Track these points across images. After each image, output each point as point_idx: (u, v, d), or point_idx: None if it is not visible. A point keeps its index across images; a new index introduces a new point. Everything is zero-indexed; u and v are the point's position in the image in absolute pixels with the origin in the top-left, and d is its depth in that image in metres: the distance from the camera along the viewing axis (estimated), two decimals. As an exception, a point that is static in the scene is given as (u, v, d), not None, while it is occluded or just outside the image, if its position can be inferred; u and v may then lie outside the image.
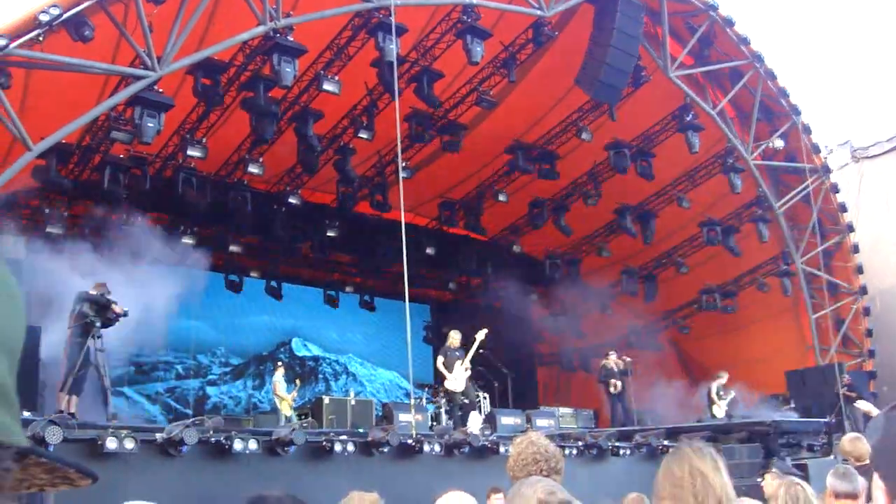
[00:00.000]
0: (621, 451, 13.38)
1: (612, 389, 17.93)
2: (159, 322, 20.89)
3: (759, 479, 11.11)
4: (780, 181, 21.45)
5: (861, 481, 5.14)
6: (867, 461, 6.32)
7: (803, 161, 20.00)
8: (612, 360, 18.09)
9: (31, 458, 0.85)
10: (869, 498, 5.00)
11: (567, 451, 11.80)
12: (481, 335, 15.01)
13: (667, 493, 2.75)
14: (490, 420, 15.41)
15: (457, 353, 14.96)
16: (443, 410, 16.46)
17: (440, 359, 15.09)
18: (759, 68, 19.06)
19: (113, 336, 12.82)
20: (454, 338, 15.17)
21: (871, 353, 21.65)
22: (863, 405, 14.61)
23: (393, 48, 14.09)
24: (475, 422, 14.40)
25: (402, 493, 9.38)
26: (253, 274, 22.43)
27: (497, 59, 17.24)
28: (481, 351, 15.64)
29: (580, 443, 13.05)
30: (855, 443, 6.87)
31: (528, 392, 23.64)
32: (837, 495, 5.09)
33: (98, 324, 11.83)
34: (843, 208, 21.60)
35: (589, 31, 16.47)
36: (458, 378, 14.71)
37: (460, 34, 15.53)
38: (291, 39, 13.81)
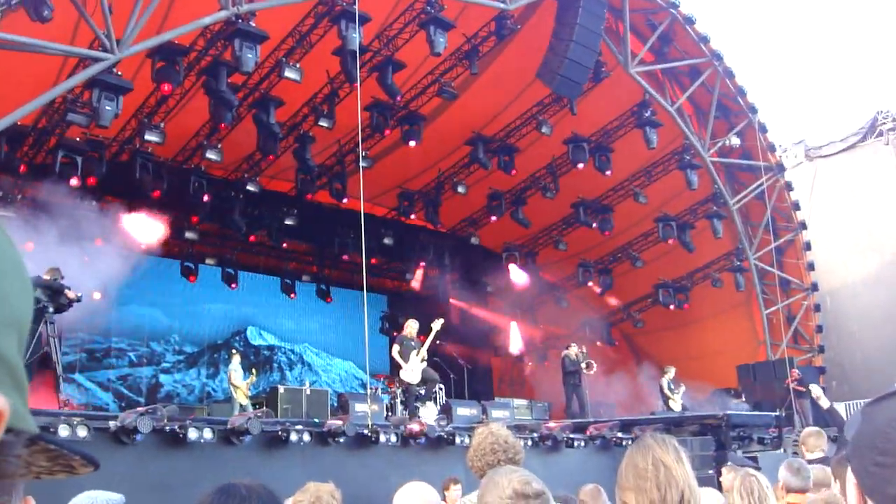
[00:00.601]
0: (576, 443, 13.50)
1: (588, 371, 17.98)
2: (112, 308, 20.72)
3: (710, 472, 11.33)
4: (735, 178, 21.75)
5: (823, 474, 5.28)
6: (822, 454, 6.49)
7: (758, 159, 20.28)
8: (574, 352, 18.18)
9: (38, 445, 0.83)
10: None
11: (522, 443, 11.89)
12: (437, 325, 15.00)
13: (630, 484, 2.79)
14: (446, 411, 15.45)
15: (413, 344, 14.93)
16: (398, 401, 16.46)
17: (396, 348, 15.04)
18: (717, 67, 19.29)
19: (65, 322, 12.66)
20: (411, 327, 15.13)
21: (821, 349, 22.09)
22: (815, 390, 14.88)
23: (356, 37, 14.05)
24: (430, 413, 14.44)
25: (358, 484, 9.40)
26: (209, 261, 22.24)
27: (459, 50, 17.24)
28: (437, 341, 15.65)
29: (535, 434, 13.16)
30: (817, 437, 7.00)
31: (484, 383, 23.77)
32: (789, 489, 5.20)
33: (51, 309, 11.67)
34: (797, 206, 21.95)
35: (551, 26, 16.54)
36: (413, 369, 14.70)
37: (423, 25, 15.50)
38: (253, 25, 13.70)
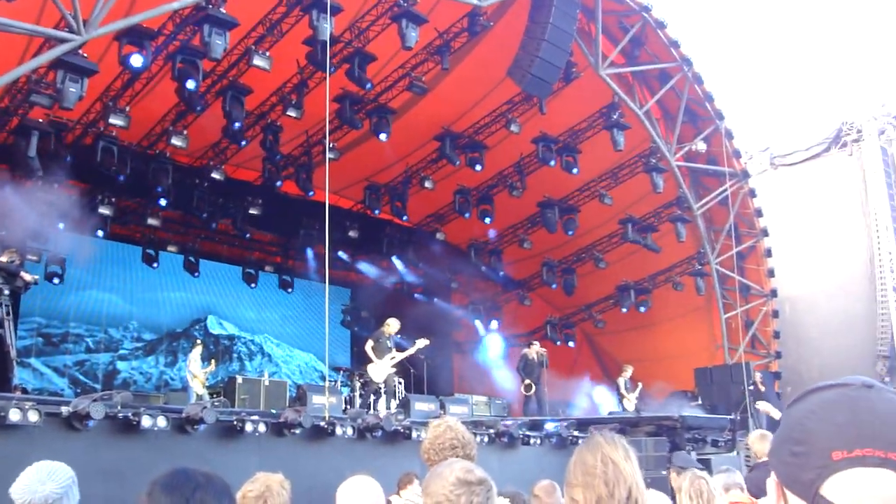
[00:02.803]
0: (532, 441, 13.53)
1: (524, 391, 17.98)
2: (70, 293, 20.49)
3: (664, 472, 11.40)
4: (700, 183, 21.92)
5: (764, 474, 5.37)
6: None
7: (724, 165, 20.45)
8: (534, 350, 18.17)
9: None
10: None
11: (479, 439, 11.90)
12: (421, 343, 15.06)
13: (578, 480, 2.80)
14: (404, 405, 15.44)
15: (388, 343, 14.90)
16: (357, 394, 16.42)
17: (370, 343, 15.00)
18: (686, 72, 19.42)
19: (22, 305, 12.49)
20: (391, 325, 15.09)
21: (778, 355, 22.33)
22: (762, 406, 15.01)
23: (327, 27, 13.96)
24: (382, 408, 14.48)
25: (312, 475, 9.35)
26: (170, 248, 22.05)
27: (431, 45, 17.21)
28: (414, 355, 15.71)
29: (492, 430, 13.16)
30: (762, 440, 7.10)
31: (444, 379, 23.76)
32: (727, 488, 5.31)
33: (6, 292, 11.50)
34: (759, 213, 22.16)
35: (524, 24, 16.56)
36: (383, 368, 14.67)
37: (396, 18, 15.44)
38: (223, 11, 13.57)
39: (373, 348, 14.80)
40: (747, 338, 21.89)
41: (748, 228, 22.23)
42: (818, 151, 25.89)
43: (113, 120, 16.09)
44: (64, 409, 8.74)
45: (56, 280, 19.55)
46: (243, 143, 18.26)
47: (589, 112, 19.88)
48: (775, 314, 22.45)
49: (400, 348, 15.21)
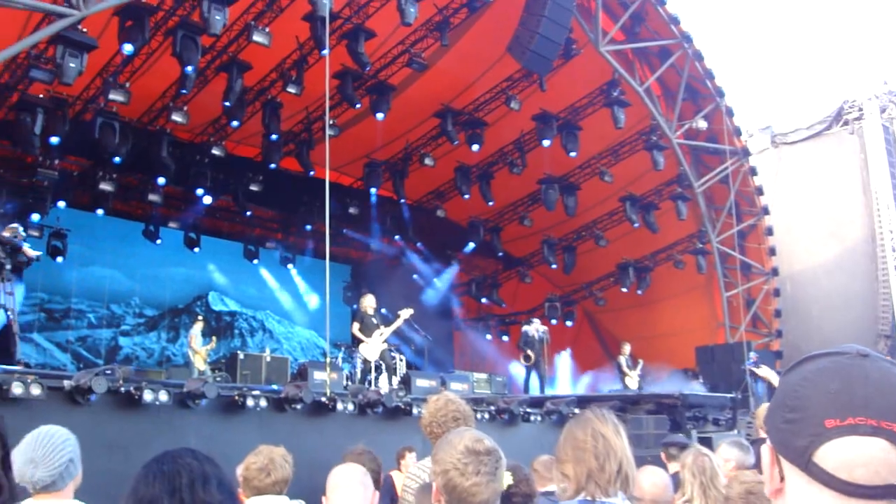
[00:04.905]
0: (532, 417, 13.57)
1: (523, 362, 18.00)
2: (73, 269, 20.54)
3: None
4: (700, 161, 21.89)
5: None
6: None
7: (724, 143, 20.41)
8: (534, 328, 18.16)
9: None
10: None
11: (479, 416, 11.94)
12: (406, 314, 14.98)
13: (569, 455, 2.84)
14: (405, 382, 15.48)
15: (374, 319, 14.89)
16: (358, 371, 16.48)
17: (356, 325, 14.99)
18: (687, 48, 19.36)
19: (25, 280, 12.51)
20: (367, 302, 15.03)
21: (779, 334, 22.37)
22: (765, 372, 15.19)
23: (326, 3, 13.90)
24: (384, 385, 14.51)
25: (313, 450, 9.40)
26: (172, 224, 22.05)
27: (430, 21, 17.15)
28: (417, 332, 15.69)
29: (492, 407, 13.20)
30: None
31: (445, 356, 23.85)
32: (741, 467, 5.30)
33: (8, 267, 11.50)
34: (760, 191, 22.16)
35: (523, 0, 16.49)
36: (374, 347, 14.66)
37: (395, -7, 15.38)
38: (222, -14, 13.53)
39: (360, 329, 14.77)
40: (748, 316, 21.93)
41: (749, 207, 22.23)
42: (819, 129, 25.85)
43: (113, 96, 16.04)
44: (66, 384, 8.78)
45: (59, 257, 19.60)
46: (243, 119, 18.22)
47: (589, 89, 19.83)
48: (776, 293, 22.48)
49: (388, 322, 15.18)
